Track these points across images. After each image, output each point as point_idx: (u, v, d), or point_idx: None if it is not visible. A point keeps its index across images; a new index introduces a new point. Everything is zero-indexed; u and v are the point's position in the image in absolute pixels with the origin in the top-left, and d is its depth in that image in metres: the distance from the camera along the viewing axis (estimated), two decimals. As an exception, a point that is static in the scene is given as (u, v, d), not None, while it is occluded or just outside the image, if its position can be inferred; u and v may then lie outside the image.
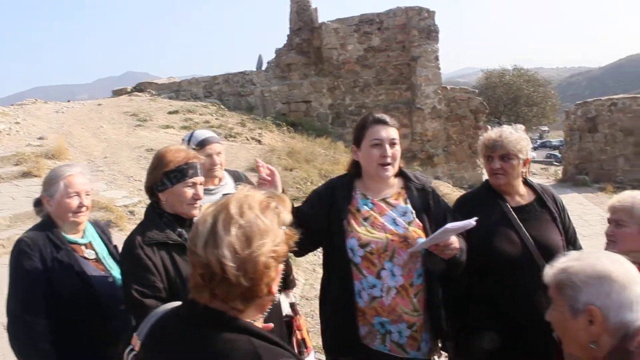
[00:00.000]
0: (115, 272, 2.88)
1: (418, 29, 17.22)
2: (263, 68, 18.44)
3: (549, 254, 2.83)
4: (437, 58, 17.32)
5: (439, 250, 2.59)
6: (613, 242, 2.65)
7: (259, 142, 13.07)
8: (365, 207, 2.80)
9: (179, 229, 2.59)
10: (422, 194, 2.88)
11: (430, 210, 2.84)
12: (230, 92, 17.09)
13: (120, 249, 2.63)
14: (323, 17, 18.42)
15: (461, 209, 3.07)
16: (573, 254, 1.86)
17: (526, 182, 3.15)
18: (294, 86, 17.45)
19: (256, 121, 14.96)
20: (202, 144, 3.33)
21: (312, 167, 11.20)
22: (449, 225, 2.52)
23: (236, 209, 1.45)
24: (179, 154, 2.62)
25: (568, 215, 3.17)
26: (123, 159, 9.96)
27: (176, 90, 16.83)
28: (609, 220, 2.71)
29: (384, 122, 2.78)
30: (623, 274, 1.70)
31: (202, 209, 1.52)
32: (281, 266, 1.52)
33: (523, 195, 3.10)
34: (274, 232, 1.46)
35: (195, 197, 2.61)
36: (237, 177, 3.67)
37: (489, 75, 39.78)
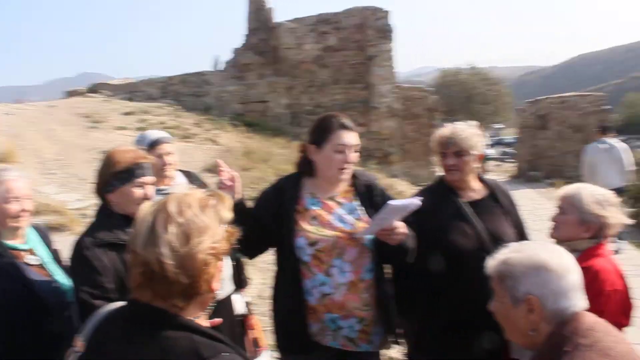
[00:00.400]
0: (60, 276, 2.83)
1: (374, 29, 17.32)
2: (220, 68, 18.32)
3: (501, 246, 2.98)
4: (392, 57, 17.47)
5: (385, 236, 2.64)
6: (556, 229, 2.82)
7: (216, 142, 13.01)
8: (314, 206, 2.84)
9: (129, 230, 2.58)
10: (368, 190, 2.94)
11: (378, 206, 2.85)
12: (186, 93, 16.97)
13: (65, 251, 2.62)
14: (280, 16, 18.45)
15: None
16: (513, 245, 1.97)
17: (479, 178, 3.20)
18: (250, 86, 17.40)
19: (213, 121, 14.88)
20: (152, 145, 3.36)
21: (269, 166, 11.21)
22: (392, 202, 2.57)
23: (175, 208, 1.47)
24: (127, 154, 2.63)
25: (518, 211, 3.24)
26: (76, 162, 9.81)
27: (132, 91, 16.63)
28: (557, 208, 2.85)
29: (348, 128, 2.83)
30: (559, 263, 1.79)
31: (143, 209, 1.55)
32: (221, 263, 1.55)
33: (476, 191, 3.14)
34: (212, 230, 1.48)
35: (145, 198, 2.61)
36: (191, 178, 3.69)
37: (445, 74, 40.40)
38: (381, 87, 17.42)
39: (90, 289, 2.37)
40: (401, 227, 2.65)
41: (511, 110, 39.41)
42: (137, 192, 2.60)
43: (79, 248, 2.49)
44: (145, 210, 1.52)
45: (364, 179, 2.98)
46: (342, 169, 2.80)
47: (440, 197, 3.09)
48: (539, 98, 20.24)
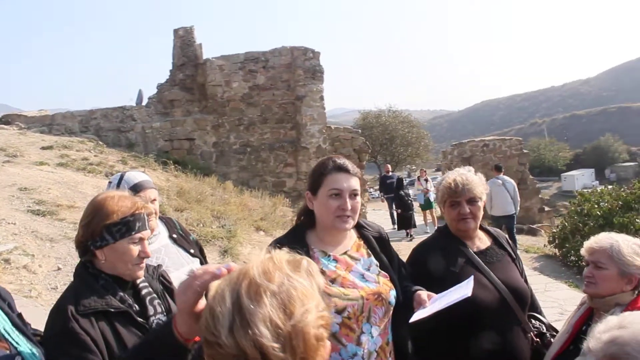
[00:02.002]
0: (24, 347, 2.30)
1: (303, 69, 17.34)
2: (144, 103, 17.65)
3: (519, 296, 2.86)
4: (322, 98, 17.49)
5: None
6: (592, 284, 2.63)
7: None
8: (330, 266, 2.46)
9: (120, 293, 2.13)
10: (380, 242, 2.64)
11: (392, 258, 2.64)
12: (108, 128, 16.18)
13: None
14: (208, 53, 18.14)
15: (419, 257, 2.96)
16: (610, 320, 1.64)
17: (481, 227, 3.08)
18: (177, 123, 16.89)
19: (138, 159, 14.16)
20: (135, 189, 2.83)
21: (203, 207, 10.65)
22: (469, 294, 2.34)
23: (260, 274, 1.13)
24: (123, 202, 2.17)
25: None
26: (-9, 200, 8.90)
27: (49, 124, 15.62)
28: (587, 262, 2.69)
29: (345, 170, 2.48)
30: None
31: (211, 287, 1.18)
32: (329, 344, 1.20)
33: (482, 239, 3.03)
34: (315, 295, 1.15)
35: (142, 256, 2.18)
36: (171, 225, 3.22)
37: (366, 115, 41.29)
38: (310, 127, 17.37)
39: None
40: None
41: (429, 152, 40.81)
42: (134, 249, 2.15)
43: (61, 319, 1.98)
44: (216, 288, 1.16)
45: (373, 229, 2.69)
46: (339, 216, 2.43)
47: (448, 248, 2.94)
48: (462, 141, 20.92)
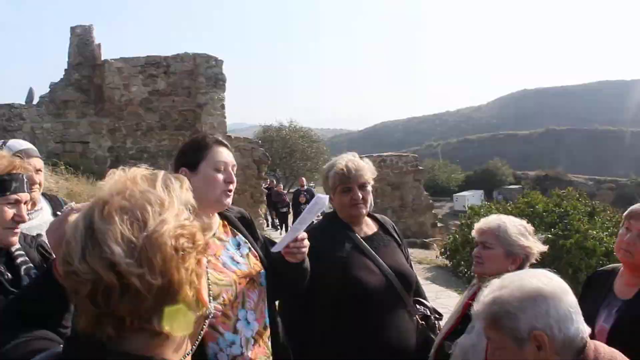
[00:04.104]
0: None
1: (205, 76, 17.08)
2: (34, 102, 16.77)
3: (405, 280, 2.92)
4: (223, 106, 17.22)
5: (295, 249, 2.33)
6: (480, 264, 2.70)
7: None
8: None
9: None
10: (243, 221, 2.56)
11: (257, 237, 2.58)
12: (-8, 126, 15.26)
13: None
14: (107, 54, 17.55)
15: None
16: (493, 283, 1.76)
17: (368, 214, 3.10)
18: (70, 125, 16.22)
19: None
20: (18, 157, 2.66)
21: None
22: (321, 196, 2.35)
23: (112, 192, 1.03)
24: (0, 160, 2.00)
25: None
26: None
27: None
28: (476, 243, 2.76)
29: (226, 145, 2.43)
30: (553, 287, 1.65)
31: (70, 220, 1.08)
32: (204, 263, 1.11)
33: (369, 225, 3.06)
34: (173, 206, 1.05)
35: (17, 220, 2.02)
36: (56, 203, 3.07)
37: (267, 129, 41.41)
38: (211, 135, 17.11)
39: None
40: (306, 236, 2.37)
41: (329, 168, 41.28)
42: (8, 211, 1.99)
43: None
44: (72, 220, 1.06)
45: (234, 210, 2.59)
46: (225, 190, 2.34)
47: (335, 233, 2.94)
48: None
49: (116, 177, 1.07)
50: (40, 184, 2.86)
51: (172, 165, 2.44)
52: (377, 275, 2.84)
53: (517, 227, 2.67)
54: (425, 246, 17.84)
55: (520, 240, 2.63)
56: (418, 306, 3.05)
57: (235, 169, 2.42)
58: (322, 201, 2.36)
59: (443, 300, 9.79)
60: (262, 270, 2.43)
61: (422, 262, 14.31)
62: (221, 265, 2.30)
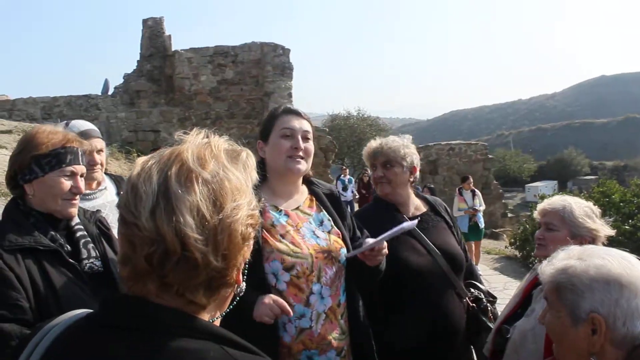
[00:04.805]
0: None
1: (272, 65, 17.27)
2: (109, 93, 17.42)
3: (454, 261, 2.89)
4: (290, 95, 17.39)
5: (370, 256, 2.31)
6: (542, 246, 2.56)
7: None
8: (281, 220, 2.36)
9: (52, 232, 2.05)
10: (331, 199, 2.58)
11: (344, 217, 2.58)
12: (72, 116, 15.80)
13: None
14: (177, 45, 17.96)
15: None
16: (572, 249, 1.65)
17: (417, 193, 3.10)
18: (142, 114, 16.73)
19: (101, 147, 13.94)
20: (80, 137, 2.61)
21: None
22: (406, 224, 2.33)
23: (195, 159, 1.02)
24: (54, 135, 2.08)
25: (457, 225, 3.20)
26: (-57, 179, 8.65)
27: (9, 109, 15.34)
28: (539, 224, 2.65)
29: (296, 113, 2.44)
30: (635, 277, 1.49)
31: (138, 163, 1.07)
32: (251, 244, 1.11)
33: (417, 206, 3.04)
34: (248, 192, 1.07)
35: (75, 191, 2.09)
36: (121, 184, 3.11)
37: (335, 117, 41.34)
38: (278, 123, 17.25)
39: None
40: (386, 246, 2.36)
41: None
42: (65, 182, 2.06)
43: None
44: (142, 163, 1.05)
45: (324, 186, 2.63)
46: (292, 156, 2.34)
47: (381, 214, 2.93)
48: (429, 144, 21.07)
49: (200, 141, 1.08)
50: (102, 164, 2.95)
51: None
52: (424, 255, 2.82)
53: (582, 209, 2.53)
54: (495, 236, 17.46)
55: (586, 222, 2.48)
56: (472, 289, 2.98)
57: (310, 135, 2.43)
58: (406, 228, 2.36)
59: (510, 291, 9.49)
60: (343, 249, 2.43)
61: (490, 252, 13.98)
62: (300, 237, 2.33)
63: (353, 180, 18.13)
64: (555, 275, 1.58)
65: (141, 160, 1.08)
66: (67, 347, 1.07)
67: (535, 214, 2.69)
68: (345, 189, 17.02)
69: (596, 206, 2.62)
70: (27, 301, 1.87)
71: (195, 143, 1.07)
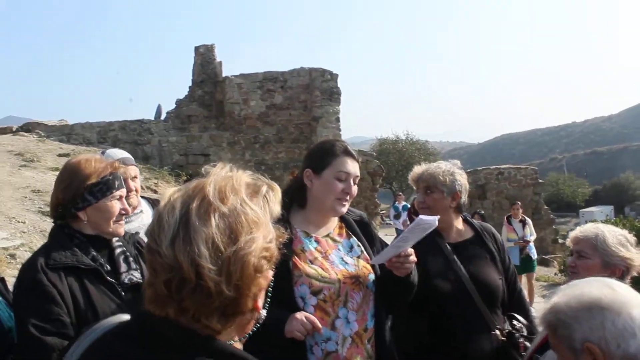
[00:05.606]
0: (2, 310, 2.31)
1: (320, 90, 17.38)
2: (162, 118, 17.92)
3: (487, 292, 2.83)
4: (338, 119, 17.42)
5: (398, 264, 2.33)
6: (575, 274, 2.54)
7: (155, 192, 12.48)
8: (310, 246, 2.45)
9: (93, 253, 2.19)
10: (361, 225, 2.64)
11: (373, 242, 2.63)
12: (126, 140, 16.40)
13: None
14: (227, 71, 18.36)
15: None
16: (561, 289, 1.66)
17: (465, 220, 3.06)
18: (193, 138, 17.06)
19: (152, 171, 14.36)
20: None
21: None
22: (423, 217, 2.30)
23: (215, 193, 1.11)
24: (99, 164, 2.23)
25: (508, 256, 3.10)
26: (4, 199, 9.05)
27: (67, 133, 15.95)
28: (572, 252, 2.64)
29: (352, 156, 2.52)
30: (613, 298, 1.50)
31: (166, 195, 1.16)
32: (271, 273, 1.19)
33: (461, 232, 3.00)
34: (265, 225, 1.13)
35: (123, 212, 2.26)
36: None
37: (383, 142, 41.34)
38: (326, 148, 17.34)
39: (40, 322, 1.92)
40: (413, 253, 2.37)
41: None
42: (116, 206, 2.23)
43: (30, 271, 2.04)
44: (170, 195, 1.15)
45: (354, 213, 2.70)
46: (341, 199, 2.45)
47: (421, 239, 2.88)
48: (477, 168, 20.79)
49: (223, 175, 1.16)
50: (137, 190, 3.06)
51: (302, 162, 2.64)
52: (452, 282, 2.79)
53: (616, 237, 2.51)
54: (545, 263, 16.97)
55: (620, 250, 2.47)
56: (514, 322, 2.86)
57: (357, 180, 2.53)
58: (424, 223, 2.33)
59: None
60: (371, 274, 2.49)
61: (539, 279, 13.59)
62: (328, 264, 2.42)
63: (408, 206, 17.99)
64: (546, 315, 1.61)
65: (170, 191, 1.17)
66: (101, 354, 1.20)
67: (568, 242, 2.69)
68: (397, 216, 16.87)
69: (631, 234, 2.58)
70: (68, 316, 1.99)
71: (218, 176, 1.16)
